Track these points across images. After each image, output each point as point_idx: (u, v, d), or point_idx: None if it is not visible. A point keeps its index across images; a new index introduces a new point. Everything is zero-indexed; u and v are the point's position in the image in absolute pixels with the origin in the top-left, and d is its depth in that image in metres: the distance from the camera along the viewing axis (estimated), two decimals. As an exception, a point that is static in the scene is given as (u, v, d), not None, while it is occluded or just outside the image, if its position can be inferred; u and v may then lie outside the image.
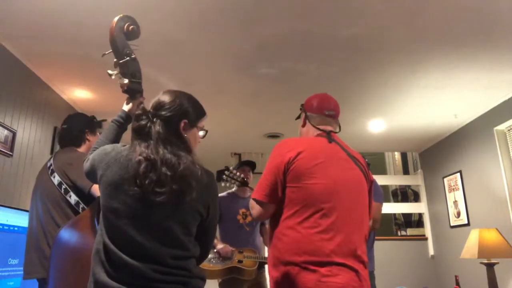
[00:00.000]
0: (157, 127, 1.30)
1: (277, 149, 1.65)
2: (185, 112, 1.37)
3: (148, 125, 1.31)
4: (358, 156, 1.73)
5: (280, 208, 1.58)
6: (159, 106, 1.35)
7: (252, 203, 1.66)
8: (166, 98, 1.37)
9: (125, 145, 1.37)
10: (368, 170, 1.75)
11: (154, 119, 1.32)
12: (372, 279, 2.39)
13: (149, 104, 1.41)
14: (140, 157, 1.24)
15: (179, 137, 1.34)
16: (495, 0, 2.36)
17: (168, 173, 1.23)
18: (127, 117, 1.57)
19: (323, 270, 1.44)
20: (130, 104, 1.59)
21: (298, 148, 1.60)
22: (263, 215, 1.64)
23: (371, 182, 1.75)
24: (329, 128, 1.75)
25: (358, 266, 1.51)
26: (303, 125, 1.83)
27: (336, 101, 1.83)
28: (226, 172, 2.82)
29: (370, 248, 2.42)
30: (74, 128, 2.29)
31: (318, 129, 1.74)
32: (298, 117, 1.88)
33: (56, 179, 2.08)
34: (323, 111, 1.76)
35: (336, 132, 1.76)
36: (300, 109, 1.86)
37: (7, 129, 2.89)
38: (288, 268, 1.48)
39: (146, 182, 1.21)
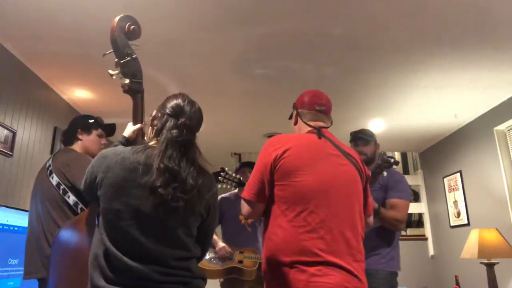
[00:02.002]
0: (178, 133, 1.31)
1: (265, 147, 1.62)
2: (202, 121, 1.42)
3: (167, 129, 1.32)
4: (352, 151, 1.69)
5: (270, 207, 1.56)
6: (181, 112, 1.36)
7: (242, 201, 1.64)
8: (188, 107, 1.38)
9: (124, 147, 1.37)
10: (363, 165, 1.70)
11: (175, 125, 1.33)
12: (393, 279, 2.32)
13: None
14: (161, 165, 1.24)
15: (195, 146, 1.36)
16: (495, 0, 2.36)
17: (191, 182, 1.26)
18: (127, 143, 1.57)
19: (312, 269, 1.41)
20: (130, 131, 1.59)
21: (285, 145, 1.56)
22: (252, 213, 1.62)
23: (368, 177, 1.70)
24: (320, 124, 1.71)
25: (352, 265, 1.46)
26: (295, 123, 1.80)
27: (327, 96, 1.79)
28: (222, 174, 2.82)
29: (393, 248, 2.36)
30: (69, 127, 2.34)
31: (309, 125, 1.71)
32: (291, 117, 1.86)
33: (54, 179, 2.08)
34: (314, 107, 1.73)
35: (327, 127, 1.73)
36: (292, 107, 1.84)
37: (7, 129, 2.89)
38: (278, 269, 1.46)
39: (169, 189, 1.23)
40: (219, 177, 2.81)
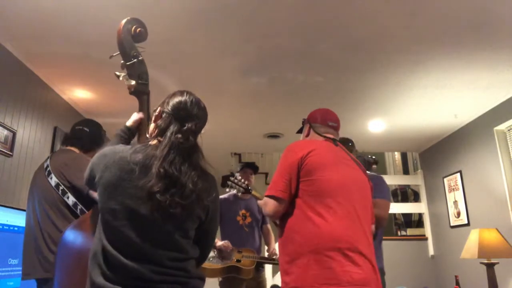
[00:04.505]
0: (182, 139, 1.29)
1: (289, 149, 1.74)
2: (206, 120, 1.41)
3: (171, 132, 1.30)
4: (359, 162, 1.85)
5: (294, 203, 1.64)
6: (187, 116, 1.34)
7: (266, 200, 1.69)
8: (195, 108, 1.36)
9: (125, 146, 1.36)
10: (367, 176, 1.85)
11: (180, 130, 1.30)
12: (381, 275, 2.42)
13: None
14: (161, 170, 1.22)
15: (198, 148, 1.34)
16: (495, 0, 2.36)
17: (191, 187, 1.25)
18: (128, 131, 1.57)
19: (347, 258, 1.49)
20: (131, 121, 1.58)
21: (309, 147, 1.70)
22: (278, 211, 1.66)
23: (371, 187, 1.83)
24: (332, 136, 1.88)
25: (372, 258, 1.58)
26: (307, 135, 1.94)
27: (336, 115, 1.96)
28: (231, 178, 2.86)
29: (378, 245, 2.45)
30: (96, 134, 2.32)
31: (323, 135, 1.86)
32: (300, 131, 2.02)
33: (53, 180, 2.08)
34: (327, 122, 1.90)
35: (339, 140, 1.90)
36: (303, 122, 2.00)
37: (7, 129, 2.89)
38: (311, 258, 1.50)
39: (167, 195, 1.21)
40: (228, 182, 2.85)
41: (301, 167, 1.65)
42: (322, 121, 1.91)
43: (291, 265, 1.55)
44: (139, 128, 1.60)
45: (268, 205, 1.67)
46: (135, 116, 1.59)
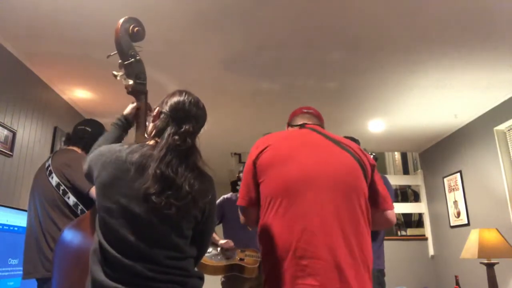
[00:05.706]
0: (180, 140, 1.28)
1: (250, 151, 1.60)
2: (206, 119, 1.40)
3: (169, 134, 1.29)
4: (348, 141, 1.60)
5: (259, 208, 1.51)
6: (185, 117, 1.33)
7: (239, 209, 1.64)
8: (193, 108, 1.35)
9: (122, 145, 1.36)
10: (364, 154, 1.58)
11: (177, 132, 1.29)
12: (381, 276, 2.38)
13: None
14: (158, 171, 1.22)
15: (196, 149, 1.33)
16: (495, 0, 2.36)
17: (187, 189, 1.24)
18: (125, 120, 1.57)
19: (298, 267, 1.34)
20: (128, 109, 1.59)
21: (265, 143, 1.54)
22: (244, 220, 1.60)
23: (373, 166, 1.58)
24: (306, 121, 1.70)
25: (344, 261, 1.34)
26: None
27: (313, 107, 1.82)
28: (239, 182, 2.88)
29: (379, 246, 2.40)
30: (98, 134, 2.30)
31: (296, 125, 1.71)
32: None
33: (54, 180, 2.08)
34: (301, 110, 1.76)
35: (316, 125, 1.69)
36: None
37: (7, 129, 2.89)
38: (270, 268, 1.43)
39: (163, 197, 1.21)
40: (237, 187, 2.86)
41: (255, 168, 1.51)
42: (297, 113, 1.76)
43: (263, 269, 1.51)
44: (136, 121, 1.60)
45: (240, 214, 1.63)
46: (130, 106, 1.60)
